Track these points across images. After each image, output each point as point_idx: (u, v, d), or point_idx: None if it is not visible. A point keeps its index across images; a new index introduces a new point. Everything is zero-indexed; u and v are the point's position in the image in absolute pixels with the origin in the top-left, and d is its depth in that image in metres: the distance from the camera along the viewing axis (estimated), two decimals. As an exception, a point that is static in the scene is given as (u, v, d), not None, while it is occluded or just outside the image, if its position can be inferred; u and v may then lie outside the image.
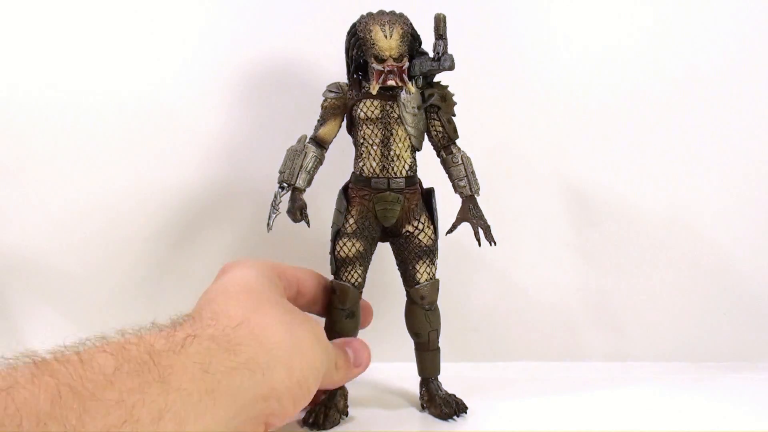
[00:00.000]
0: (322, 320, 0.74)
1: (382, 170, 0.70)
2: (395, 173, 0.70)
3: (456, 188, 0.73)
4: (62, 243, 0.91)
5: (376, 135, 0.69)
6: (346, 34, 0.71)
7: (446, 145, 0.73)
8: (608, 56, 0.93)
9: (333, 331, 0.73)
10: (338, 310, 0.73)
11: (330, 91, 0.72)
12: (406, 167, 0.70)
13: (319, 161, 0.72)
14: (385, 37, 0.67)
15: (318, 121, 0.73)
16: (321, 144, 0.72)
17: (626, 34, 0.92)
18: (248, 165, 0.90)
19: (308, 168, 0.71)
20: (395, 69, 0.68)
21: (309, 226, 0.71)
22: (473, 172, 0.73)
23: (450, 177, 0.73)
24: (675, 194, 0.94)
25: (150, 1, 0.89)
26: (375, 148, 0.70)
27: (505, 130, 0.94)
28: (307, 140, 0.73)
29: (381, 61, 0.67)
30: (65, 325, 0.93)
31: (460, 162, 0.72)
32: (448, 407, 0.72)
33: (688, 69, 0.92)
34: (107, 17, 0.88)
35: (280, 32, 0.90)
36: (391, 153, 0.70)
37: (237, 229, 0.92)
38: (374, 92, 0.68)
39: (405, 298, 0.75)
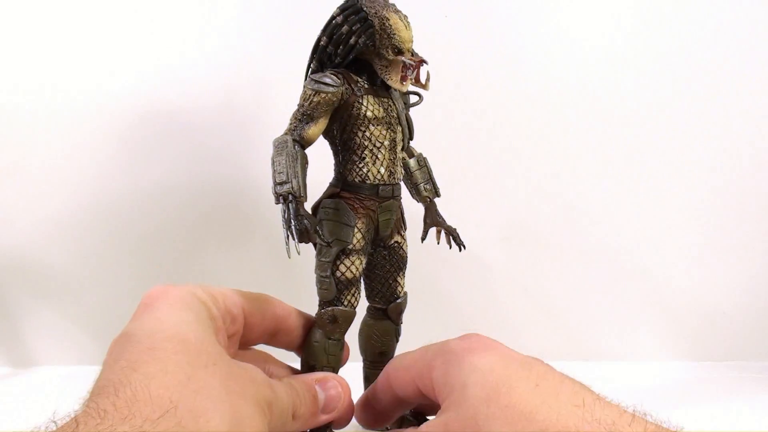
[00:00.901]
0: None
1: (389, 176, 0.62)
2: (398, 178, 0.64)
3: (420, 192, 0.69)
4: (61, 242, 0.93)
5: (385, 137, 0.61)
6: (341, 17, 0.60)
7: (407, 145, 0.69)
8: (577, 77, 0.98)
9: (327, 367, 0.62)
10: (335, 341, 0.62)
11: (327, 85, 0.59)
12: (402, 171, 0.65)
13: (307, 164, 0.60)
14: (405, 27, 0.60)
15: (303, 116, 0.60)
16: (305, 145, 0.60)
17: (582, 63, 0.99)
18: (248, 165, 0.87)
19: (304, 174, 0.59)
20: (416, 63, 0.61)
21: (324, 241, 0.59)
22: (432, 174, 0.71)
23: (413, 180, 0.69)
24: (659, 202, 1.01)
25: (149, 2, 0.90)
26: (383, 151, 0.62)
27: (493, 130, 0.94)
28: (293, 141, 0.59)
29: (400, 52, 0.60)
30: (63, 323, 0.96)
31: (424, 164, 0.70)
32: None
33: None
34: (106, 19, 0.90)
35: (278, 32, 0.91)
36: (397, 156, 0.63)
37: (235, 229, 0.92)
38: (404, 89, 0.60)
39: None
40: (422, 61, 0.61)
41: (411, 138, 0.68)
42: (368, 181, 0.61)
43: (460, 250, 0.71)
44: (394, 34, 0.59)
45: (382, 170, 0.61)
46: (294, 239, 0.55)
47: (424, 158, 0.69)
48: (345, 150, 0.62)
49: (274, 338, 0.57)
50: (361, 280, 0.64)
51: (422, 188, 0.69)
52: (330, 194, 0.62)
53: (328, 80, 0.59)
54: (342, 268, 0.61)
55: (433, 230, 0.70)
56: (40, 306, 0.94)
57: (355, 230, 0.61)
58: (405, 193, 0.68)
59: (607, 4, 0.97)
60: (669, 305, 1.01)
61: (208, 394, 0.41)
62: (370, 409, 0.56)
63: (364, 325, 0.68)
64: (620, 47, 0.97)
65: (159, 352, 0.42)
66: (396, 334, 0.68)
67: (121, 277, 0.93)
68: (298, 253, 0.55)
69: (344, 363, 0.63)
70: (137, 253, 0.93)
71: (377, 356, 0.69)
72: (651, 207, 0.99)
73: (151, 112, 0.87)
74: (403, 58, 0.60)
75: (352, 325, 0.63)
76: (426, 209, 0.70)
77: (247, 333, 0.53)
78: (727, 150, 0.99)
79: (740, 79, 0.98)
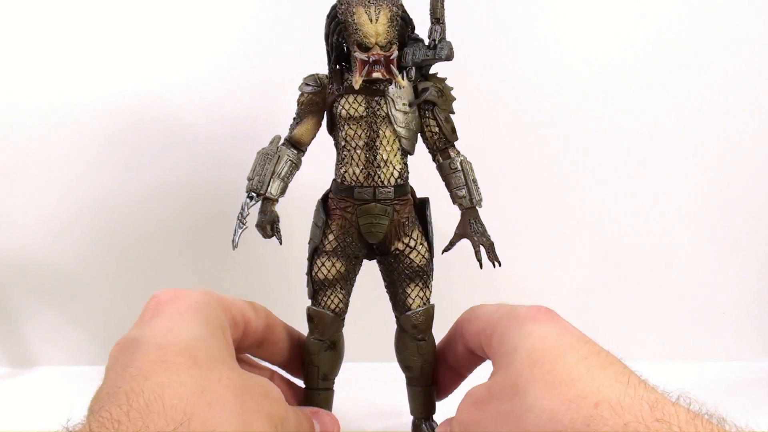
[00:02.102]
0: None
1: (366, 178, 0.59)
2: (382, 181, 0.59)
3: (454, 199, 0.62)
4: (61, 242, 0.93)
5: (360, 136, 0.59)
6: (326, 19, 0.60)
7: (443, 148, 0.62)
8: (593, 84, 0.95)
9: (311, 365, 0.62)
10: (316, 341, 0.62)
11: (306, 85, 0.61)
12: (395, 174, 0.60)
13: (295, 166, 0.62)
14: (370, 20, 0.56)
15: (293, 119, 0.63)
16: (297, 146, 0.62)
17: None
18: (244, 165, 0.84)
19: (282, 174, 0.61)
20: (382, 59, 0.57)
21: (281, 243, 0.61)
22: (475, 180, 0.62)
23: (447, 186, 0.62)
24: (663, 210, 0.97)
25: (148, 5, 0.89)
26: (358, 151, 0.59)
27: (504, 131, 0.92)
28: (281, 141, 0.62)
29: (365, 49, 0.56)
30: (62, 323, 0.96)
31: (459, 168, 0.61)
32: None
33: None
34: (107, 20, 0.89)
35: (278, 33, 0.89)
36: (378, 158, 0.59)
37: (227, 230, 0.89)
38: (357, 86, 0.57)
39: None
40: (379, 59, 0.57)
41: (447, 139, 0.62)
42: (345, 183, 0.60)
43: (494, 266, 0.61)
44: (357, 29, 0.57)
45: (357, 171, 0.59)
46: (238, 232, 0.60)
47: (462, 162, 0.62)
48: (336, 150, 0.62)
49: (260, 348, 0.60)
50: (348, 286, 0.63)
51: (454, 194, 0.62)
52: (324, 193, 0.63)
53: (309, 81, 0.61)
54: (314, 268, 0.62)
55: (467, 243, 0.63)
56: (40, 306, 0.94)
57: (327, 232, 0.61)
58: (440, 199, 0.63)
59: (610, 7, 0.92)
60: (677, 306, 0.99)
61: (222, 407, 0.41)
62: (443, 363, 0.61)
63: (395, 336, 0.66)
64: (627, 51, 0.93)
65: (172, 365, 0.42)
66: (418, 350, 0.64)
67: (121, 278, 0.93)
68: (234, 246, 0.60)
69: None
70: (137, 254, 0.93)
71: (404, 369, 0.66)
72: (658, 209, 0.97)
73: (153, 113, 0.88)
74: (359, 54, 0.57)
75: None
76: (461, 217, 0.63)
77: (242, 339, 0.56)
78: (735, 152, 0.95)
79: (751, 88, 0.94)
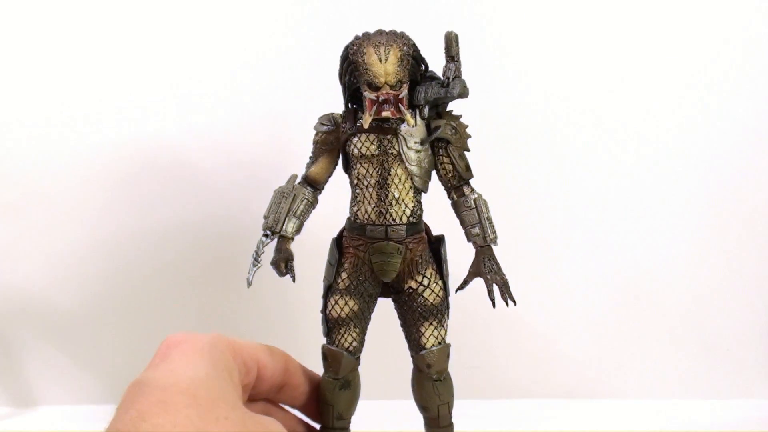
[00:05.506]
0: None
1: (378, 216, 0.59)
2: (394, 219, 0.59)
3: (468, 236, 0.61)
4: (64, 282, 0.94)
5: (372, 175, 0.59)
6: (340, 58, 0.60)
7: (457, 185, 0.62)
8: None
9: (326, 404, 0.62)
10: (331, 380, 0.62)
11: (322, 125, 0.62)
12: (408, 212, 0.60)
13: (311, 204, 0.63)
14: (380, 60, 0.56)
15: (309, 158, 0.63)
16: (313, 184, 0.63)
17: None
18: (250, 206, 0.86)
19: (297, 212, 0.61)
20: (391, 98, 0.57)
21: (294, 281, 0.61)
22: (489, 218, 0.61)
23: (462, 223, 0.62)
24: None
25: (159, 49, 0.90)
26: (370, 190, 0.59)
27: (519, 166, 0.93)
28: (297, 180, 0.63)
29: (376, 88, 0.57)
30: (65, 363, 0.95)
31: (473, 206, 0.61)
32: None
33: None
34: (114, 61, 0.90)
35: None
36: (389, 196, 0.59)
37: (241, 272, 0.86)
38: (366, 125, 0.57)
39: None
40: (389, 98, 0.57)
41: (461, 177, 0.62)
42: (358, 221, 0.60)
43: (507, 305, 0.60)
44: (367, 69, 0.58)
45: (369, 209, 0.60)
46: (253, 270, 0.61)
47: (476, 199, 0.61)
48: (350, 188, 0.63)
49: (279, 392, 0.58)
50: (362, 324, 0.63)
51: (468, 232, 0.62)
52: (339, 232, 0.64)
53: (324, 121, 0.62)
54: (328, 306, 0.62)
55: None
56: (42, 345, 0.94)
57: (341, 270, 0.61)
58: (454, 237, 0.63)
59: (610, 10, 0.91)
60: (680, 340, 0.97)
61: None
62: None
63: (411, 375, 0.65)
64: (636, 86, 0.92)
65: (170, 406, 0.42)
66: (435, 390, 0.63)
67: (124, 318, 0.93)
68: (249, 284, 0.61)
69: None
70: (141, 294, 0.92)
71: (421, 410, 0.65)
72: (666, 249, 0.95)
73: (161, 153, 0.88)
74: (369, 94, 0.58)
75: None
76: (475, 255, 0.62)
77: (258, 385, 0.55)
78: (751, 192, 0.94)
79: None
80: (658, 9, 0.90)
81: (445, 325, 0.62)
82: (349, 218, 0.62)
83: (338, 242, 0.62)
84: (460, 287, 0.62)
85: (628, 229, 0.93)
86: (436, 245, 0.63)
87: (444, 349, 0.62)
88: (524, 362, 0.94)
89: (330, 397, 0.62)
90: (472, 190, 0.62)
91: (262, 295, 0.86)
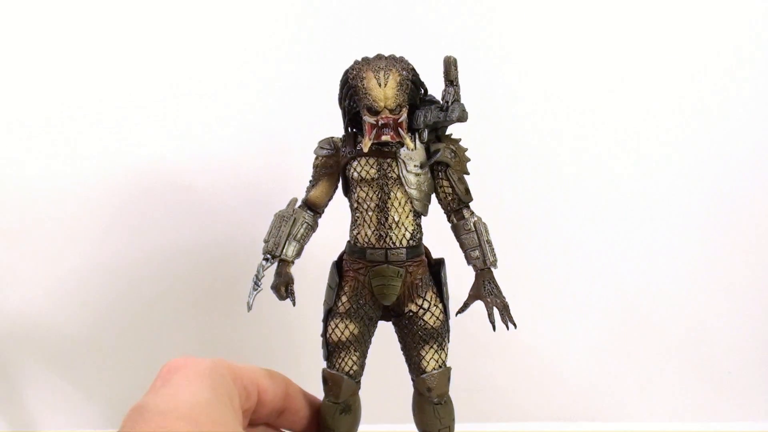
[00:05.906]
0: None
1: (378, 239, 0.59)
2: (394, 243, 0.59)
3: (468, 259, 0.61)
4: (64, 306, 0.93)
5: (371, 198, 0.59)
6: (340, 83, 0.61)
7: (457, 208, 0.62)
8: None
9: (327, 429, 0.62)
10: (331, 404, 0.61)
11: (321, 148, 0.62)
12: (407, 235, 0.60)
13: (311, 228, 0.63)
14: (380, 85, 0.57)
15: (309, 182, 0.64)
16: (313, 208, 0.63)
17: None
18: (250, 230, 0.84)
19: (297, 236, 0.62)
20: (391, 122, 0.57)
21: (294, 305, 0.61)
22: (489, 241, 0.61)
23: (461, 246, 0.62)
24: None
25: (159, 71, 0.90)
26: (370, 213, 0.59)
27: (519, 190, 0.92)
28: (297, 204, 0.63)
29: (375, 113, 0.57)
30: (64, 387, 0.95)
31: (473, 229, 0.61)
32: None
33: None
34: (113, 83, 0.90)
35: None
36: (389, 219, 0.59)
37: (242, 295, 0.86)
38: (366, 149, 0.57)
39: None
40: (388, 122, 0.58)
41: (460, 200, 0.62)
42: (358, 244, 0.61)
43: (508, 328, 0.60)
44: (366, 93, 0.58)
45: (369, 233, 0.60)
46: (253, 294, 0.61)
47: (475, 222, 0.62)
48: (351, 212, 0.63)
49: (280, 417, 0.58)
50: (363, 348, 0.63)
51: (468, 255, 0.62)
52: (339, 255, 0.64)
53: (324, 145, 0.63)
54: (329, 329, 0.62)
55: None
56: (42, 370, 0.93)
57: (341, 293, 0.61)
58: (454, 260, 0.63)
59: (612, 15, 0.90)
60: (681, 363, 0.97)
61: None
62: None
63: (412, 399, 0.65)
64: (639, 109, 0.92)
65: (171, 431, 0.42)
66: (435, 414, 0.62)
67: (124, 342, 0.93)
68: (249, 308, 0.61)
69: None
70: (140, 318, 0.92)
71: (422, 435, 0.64)
72: (665, 274, 0.95)
73: (161, 177, 0.88)
74: (368, 118, 0.58)
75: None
76: (475, 278, 0.62)
77: (258, 410, 0.55)
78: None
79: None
80: (658, 11, 0.90)
81: (445, 349, 0.62)
82: (349, 242, 0.62)
83: (338, 266, 0.62)
84: (461, 310, 0.62)
85: (628, 253, 0.93)
86: (436, 268, 0.63)
87: (445, 372, 0.62)
88: (525, 385, 0.94)
89: (330, 421, 0.61)
90: (472, 213, 0.62)
91: (263, 319, 0.86)
